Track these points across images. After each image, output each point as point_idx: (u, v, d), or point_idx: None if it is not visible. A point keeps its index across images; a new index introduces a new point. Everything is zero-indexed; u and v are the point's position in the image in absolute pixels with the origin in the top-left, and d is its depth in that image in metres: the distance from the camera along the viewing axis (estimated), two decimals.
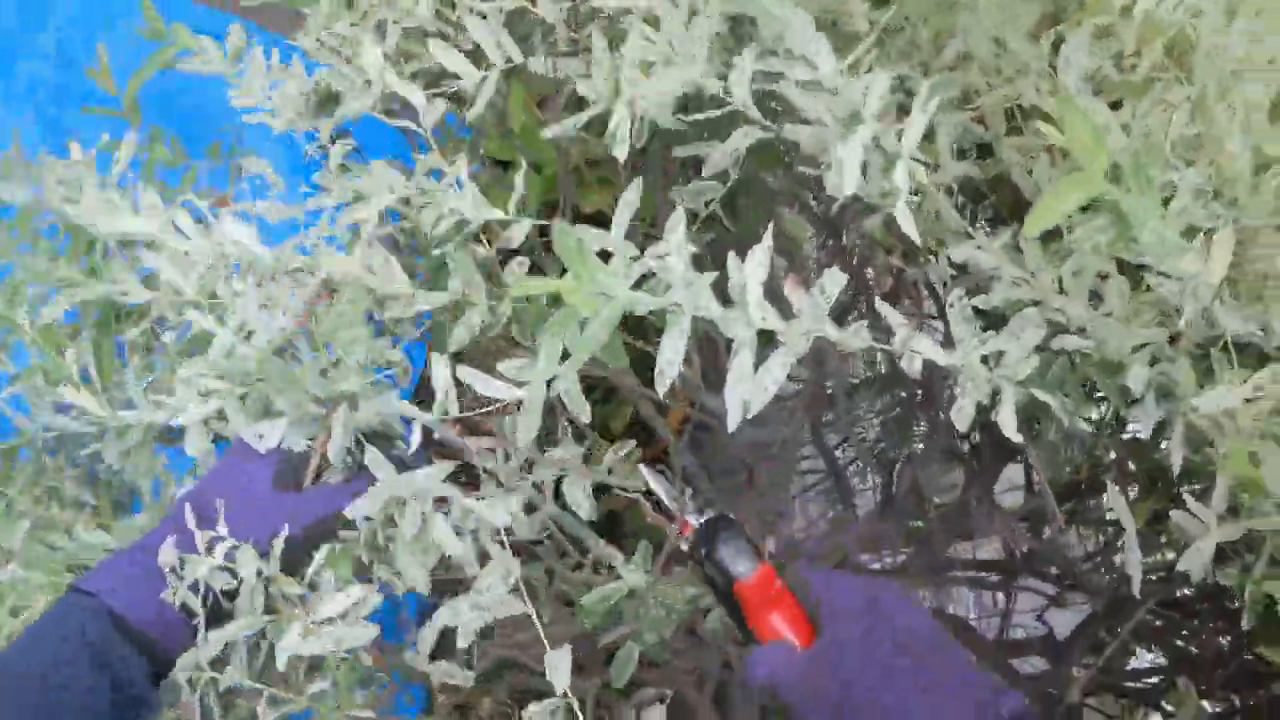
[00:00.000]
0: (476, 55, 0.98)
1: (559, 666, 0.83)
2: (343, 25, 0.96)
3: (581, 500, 0.94)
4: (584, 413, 0.83)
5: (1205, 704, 1.13)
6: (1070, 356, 0.89)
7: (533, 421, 0.83)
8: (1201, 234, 0.79)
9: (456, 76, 0.96)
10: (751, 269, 0.74)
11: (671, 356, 0.72)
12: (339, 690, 0.87)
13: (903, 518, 1.15)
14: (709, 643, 1.18)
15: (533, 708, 0.83)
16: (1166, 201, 0.79)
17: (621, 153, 0.80)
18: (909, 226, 0.75)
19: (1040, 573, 1.18)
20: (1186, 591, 1.14)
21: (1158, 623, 1.15)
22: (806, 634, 0.82)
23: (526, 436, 0.83)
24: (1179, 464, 0.88)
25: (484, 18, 0.94)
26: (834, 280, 0.75)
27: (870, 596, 0.81)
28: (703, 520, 0.89)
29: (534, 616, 0.85)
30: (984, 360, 0.83)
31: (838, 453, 1.27)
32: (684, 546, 0.90)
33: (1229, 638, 1.11)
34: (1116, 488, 0.92)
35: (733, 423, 0.73)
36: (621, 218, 0.82)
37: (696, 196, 0.97)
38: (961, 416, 0.81)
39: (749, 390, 0.73)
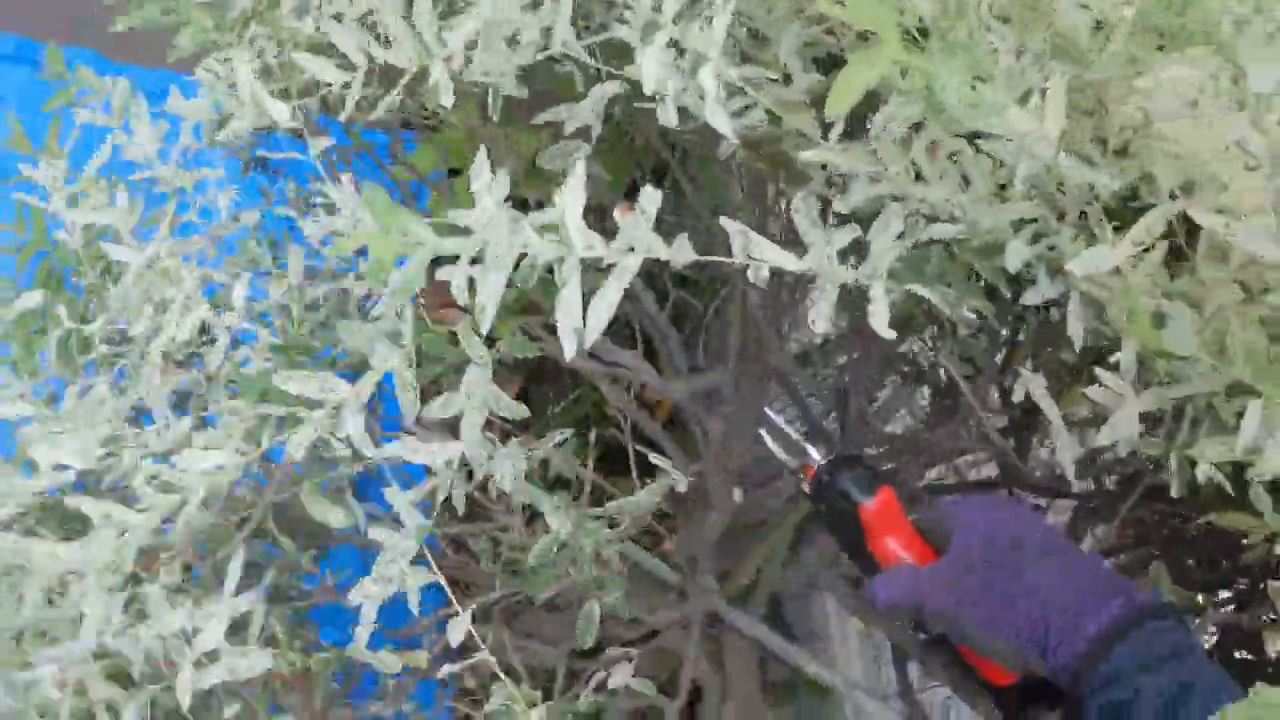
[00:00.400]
0: None
1: (456, 630, 0.85)
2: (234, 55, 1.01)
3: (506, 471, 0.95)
4: (516, 413, 0.86)
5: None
6: (947, 246, 0.87)
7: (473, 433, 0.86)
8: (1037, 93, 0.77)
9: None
10: (569, 197, 0.75)
11: (491, 293, 0.73)
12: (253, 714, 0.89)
13: (861, 448, 1.13)
14: (689, 593, 1.18)
15: (447, 668, 0.85)
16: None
17: (448, 100, 0.82)
18: (724, 127, 0.76)
19: (1025, 483, 1.14)
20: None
21: (1143, 514, 1.11)
22: (926, 556, 0.85)
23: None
24: (1079, 338, 0.86)
25: (340, 20, 0.97)
26: (650, 199, 0.75)
27: (992, 508, 0.84)
28: (826, 459, 0.91)
29: (444, 584, 0.87)
30: (850, 262, 0.82)
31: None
32: (805, 489, 0.92)
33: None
34: (1031, 372, 0.89)
35: (568, 352, 0.74)
36: (480, 172, 0.83)
37: (563, 156, 0.99)
38: (819, 319, 0.80)
39: (578, 319, 0.74)
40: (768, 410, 0.97)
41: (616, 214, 0.78)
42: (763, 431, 0.96)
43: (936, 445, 1.09)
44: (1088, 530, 1.11)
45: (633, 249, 0.75)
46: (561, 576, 0.95)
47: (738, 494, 1.15)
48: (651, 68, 0.74)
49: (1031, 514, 0.84)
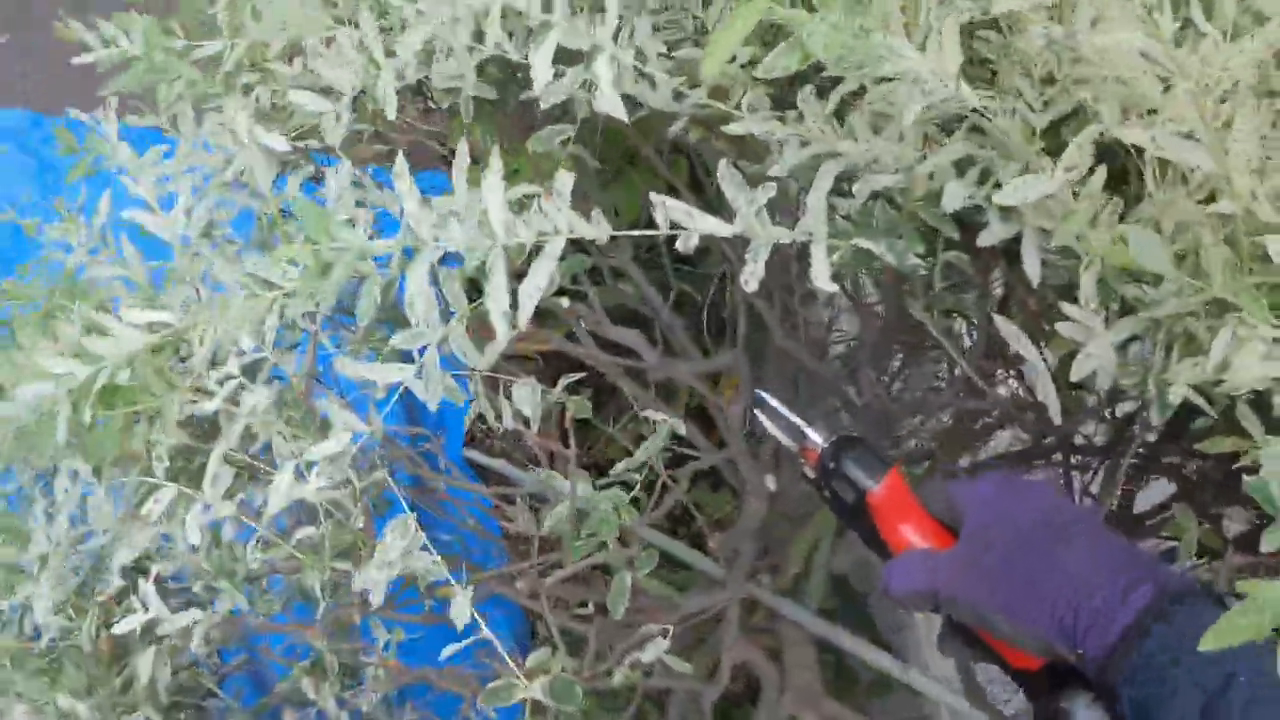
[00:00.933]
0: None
1: (460, 607, 0.94)
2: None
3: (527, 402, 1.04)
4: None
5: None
6: (889, 198, 0.92)
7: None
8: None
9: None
10: (489, 190, 0.84)
11: (416, 288, 0.83)
12: (323, 541, 1.00)
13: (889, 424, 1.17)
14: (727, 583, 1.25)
15: (448, 649, 0.95)
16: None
17: (391, 111, 0.93)
18: (617, 110, 0.84)
19: (1055, 449, 1.16)
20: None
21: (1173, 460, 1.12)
22: (940, 539, 0.85)
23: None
24: (1036, 274, 0.90)
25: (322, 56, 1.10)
26: (564, 182, 0.84)
27: (1006, 486, 0.84)
28: (828, 442, 0.91)
29: (442, 566, 0.97)
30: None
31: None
32: (809, 474, 0.92)
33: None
34: (1005, 319, 0.93)
35: (500, 334, 0.84)
36: (460, 162, 0.93)
37: (550, 139, 1.09)
38: (752, 279, 0.86)
39: (506, 304, 0.83)
40: (761, 392, 0.98)
41: (544, 203, 0.87)
42: (759, 414, 0.97)
43: (929, 408, 1.13)
44: (1114, 486, 1.12)
45: (556, 231, 0.84)
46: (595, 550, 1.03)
47: (771, 480, 1.21)
48: (544, 68, 0.83)
49: (1049, 491, 0.84)
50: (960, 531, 0.83)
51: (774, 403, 0.96)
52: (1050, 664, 0.79)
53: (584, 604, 1.38)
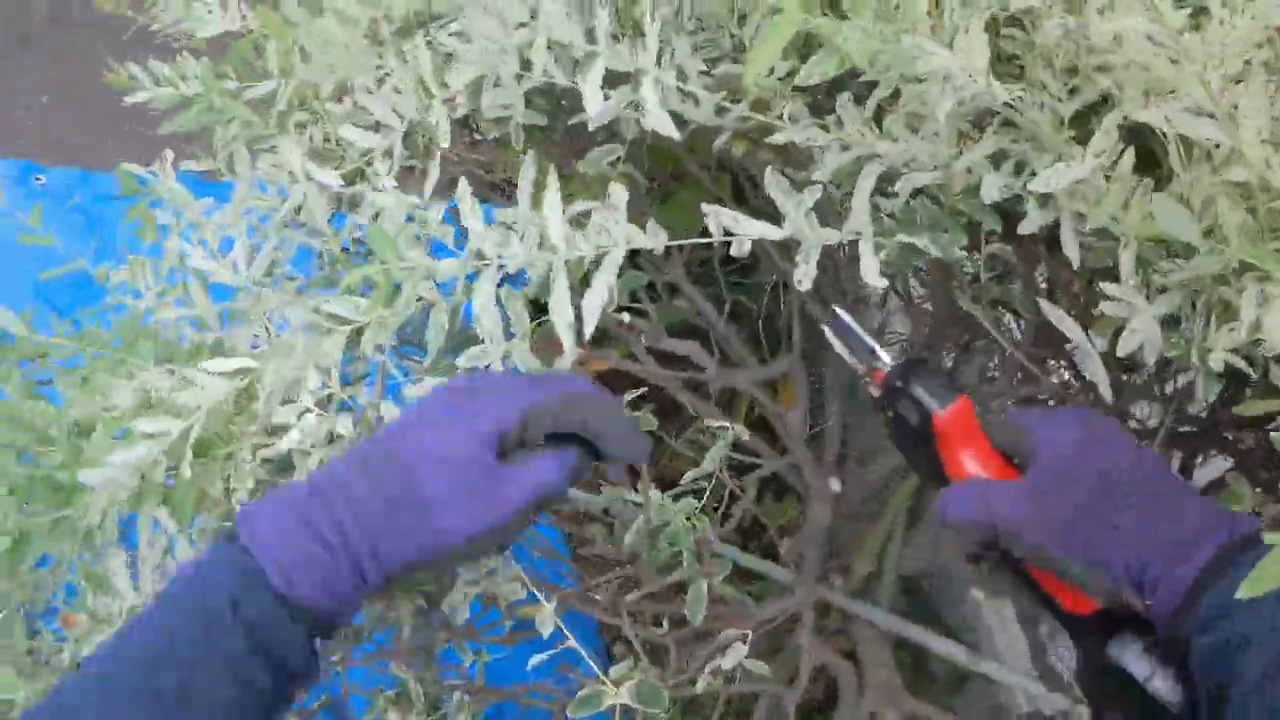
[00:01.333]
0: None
1: (546, 619, 1.03)
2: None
3: None
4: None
5: None
6: (930, 194, 1.01)
7: None
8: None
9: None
10: (548, 207, 0.94)
11: (483, 304, 0.92)
12: None
13: None
14: (795, 587, 1.32)
15: (535, 659, 1.04)
16: None
17: (445, 139, 1.03)
18: (667, 128, 0.93)
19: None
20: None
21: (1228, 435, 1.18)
22: (1002, 471, 0.87)
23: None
24: (1076, 257, 0.97)
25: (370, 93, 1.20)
26: (618, 195, 0.94)
27: (1079, 425, 0.86)
28: (898, 362, 0.94)
29: (522, 579, 1.05)
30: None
31: None
32: (874, 393, 0.95)
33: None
34: (1050, 303, 1.01)
35: (567, 346, 0.93)
36: (524, 186, 1.03)
37: (600, 160, 1.19)
38: (805, 279, 0.95)
39: (570, 317, 0.93)
40: (837, 309, 1.00)
41: (596, 215, 0.96)
42: (828, 331, 1.00)
43: (984, 400, 1.20)
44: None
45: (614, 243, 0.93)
46: (673, 565, 1.11)
47: (835, 483, 1.28)
48: (594, 95, 0.92)
49: (1123, 434, 0.86)
50: (1027, 465, 0.85)
51: (848, 319, 0.99)
52: (1104, 610, 0.82)
53: (658, 622, 1.46)
